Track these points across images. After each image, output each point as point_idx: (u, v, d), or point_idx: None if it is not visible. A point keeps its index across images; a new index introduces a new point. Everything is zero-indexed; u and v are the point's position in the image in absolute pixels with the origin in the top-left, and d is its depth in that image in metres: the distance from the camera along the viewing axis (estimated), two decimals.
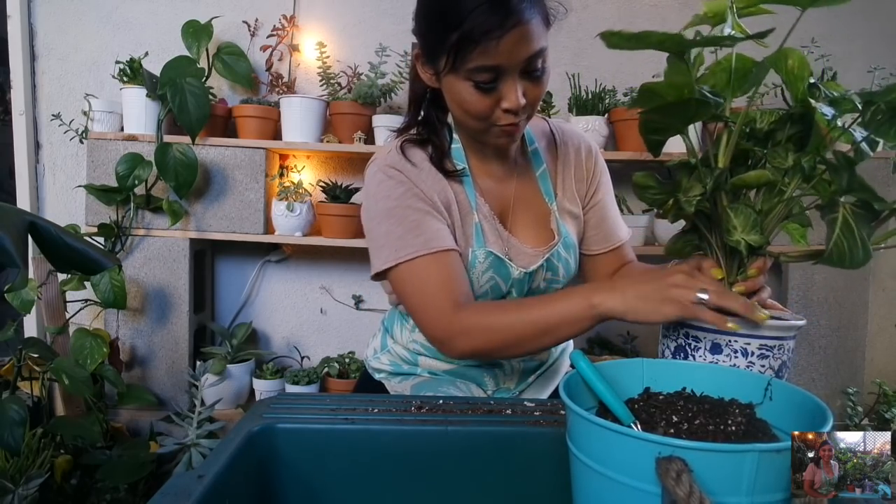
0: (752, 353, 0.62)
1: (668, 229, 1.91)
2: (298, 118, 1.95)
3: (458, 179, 0.93)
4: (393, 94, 2.01)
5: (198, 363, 1.90)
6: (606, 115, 1.97)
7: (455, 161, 0.93)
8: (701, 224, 0.69)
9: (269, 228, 2.00)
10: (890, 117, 0.56)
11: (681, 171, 0.67)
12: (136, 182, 1.84)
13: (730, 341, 0.63)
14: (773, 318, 0.66)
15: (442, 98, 0.90)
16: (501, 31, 0.75)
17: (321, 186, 2.02)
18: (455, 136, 0.95)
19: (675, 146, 0.84)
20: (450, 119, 0.95)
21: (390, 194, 0.88)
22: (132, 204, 1.89)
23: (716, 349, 0.63)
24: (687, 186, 0.65)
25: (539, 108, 2.14)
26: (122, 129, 1.99)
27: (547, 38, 0.81)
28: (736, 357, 0.62)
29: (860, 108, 0.59)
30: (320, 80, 2.03)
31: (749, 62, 0.64)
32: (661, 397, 0.54)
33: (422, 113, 0.96)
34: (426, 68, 0.87)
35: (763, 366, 0.63)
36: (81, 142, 2.03)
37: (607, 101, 1.99)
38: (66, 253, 0.78)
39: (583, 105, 1.99)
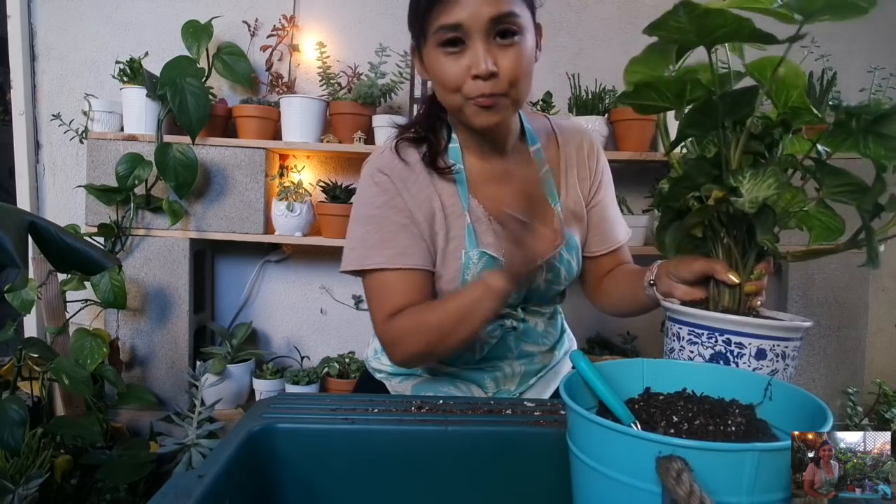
0: (788, 356, 0.63)
1: None
2: (298, 118, 1.95)
3: (451, 179, 0.93)
4: (393, 94, 2.00)
5: (198, 363, 1.90)
6: (606, 115, 1.97)
7: (450, 160, 0.93)
8: (715, 223, 0.68)
9: (269, 228, 2.00)
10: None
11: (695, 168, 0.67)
12: (136, 182, 1.84)
13: (773, 346, 0.63)
14: (775, 318, 0.67)
15: None
16: None
17: (321, 186, 2.02)
18: (454, 135, 0.95)
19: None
20: (449, 119, 0.95)
21: (373, 201, 0.90)
22: (132, 204, 1.89)
23: (760, 355, 0.63)
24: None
25: (538, 107, 2.12)
26: (122, 129, 1.99)
27: (523, 6, 0.81)
28: (777, 361, 0.63)
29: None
30: (320, 80, 2.03)
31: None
32: (661, 397, 0.54)
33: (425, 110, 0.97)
34: (416, 59, 0.89)
35: (793, 367, 0.64)
36: (81, 142, 2.03)
37: (607, 101, 1.99)
38: (66, 253, 0.78)
39: (583, 105, 1.99)
